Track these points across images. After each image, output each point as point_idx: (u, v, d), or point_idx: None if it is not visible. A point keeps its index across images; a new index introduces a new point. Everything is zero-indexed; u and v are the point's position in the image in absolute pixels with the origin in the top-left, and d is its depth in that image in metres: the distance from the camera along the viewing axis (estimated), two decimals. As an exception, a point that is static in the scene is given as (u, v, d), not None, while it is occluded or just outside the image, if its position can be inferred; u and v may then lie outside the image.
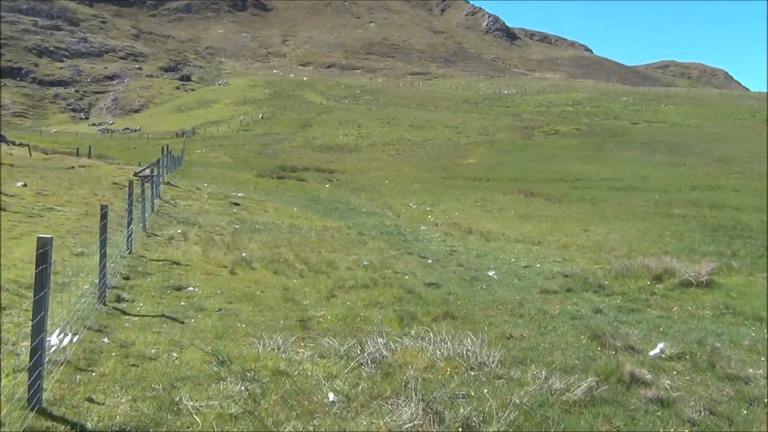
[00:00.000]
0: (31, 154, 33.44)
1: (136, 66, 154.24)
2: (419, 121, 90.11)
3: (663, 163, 53.76)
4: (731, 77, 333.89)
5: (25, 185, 18.41)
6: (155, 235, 13.75)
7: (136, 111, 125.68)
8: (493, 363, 5.87)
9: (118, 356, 5.85)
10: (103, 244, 7.64)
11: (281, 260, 11.86)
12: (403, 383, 5.35)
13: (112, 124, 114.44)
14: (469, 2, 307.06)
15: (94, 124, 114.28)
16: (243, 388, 5.17)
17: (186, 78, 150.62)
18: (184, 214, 18.15)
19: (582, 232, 20.51)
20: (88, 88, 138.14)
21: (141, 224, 14.09)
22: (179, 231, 14.62)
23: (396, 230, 18.62)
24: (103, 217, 7.63)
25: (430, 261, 13.17)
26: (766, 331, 7.45)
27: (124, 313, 7.50)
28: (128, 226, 10.90)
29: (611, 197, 32.49)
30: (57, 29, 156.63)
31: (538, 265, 12.66)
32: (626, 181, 40.65)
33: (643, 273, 10.43)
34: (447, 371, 5.71)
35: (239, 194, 25.44)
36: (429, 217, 25.43)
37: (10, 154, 34.09)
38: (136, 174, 23.74)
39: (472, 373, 5.64)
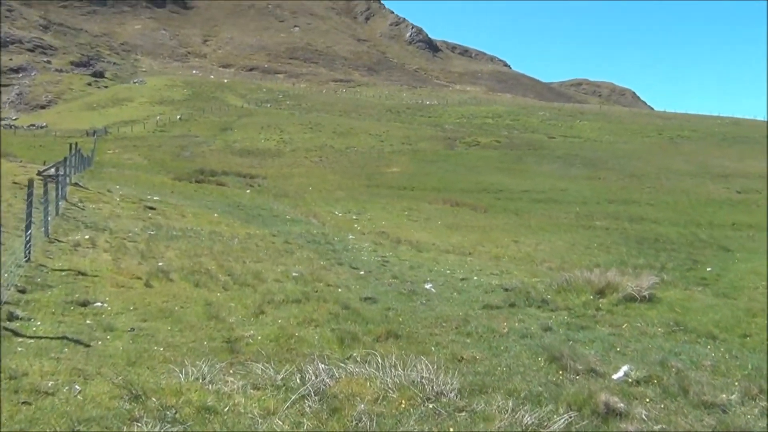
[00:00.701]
0: None
1: (45, 59, 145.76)
2: (342, 128, 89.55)
3: (579, 177, 55.47)
4: (638, 97, 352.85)
5: None
6: (59, 241, 12.39)
7: (43, 107, 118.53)
8: (451, 392, 5.25)
9: (7, 391, 4.83)
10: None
11: (202, 271, 10.86)
12: (354, 420, 4.63)
13: (15, 119, 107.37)
14: (393, 12, 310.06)
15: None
16: (162, 431, 4.30)
17: (99, 74, 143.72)
18: (93, 218, 16.68)
19: (512, 243, 20.43)
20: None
21: (43, 229, 12.69)
22: (87, 237, 13.28)
23: (323, 239, 17.85)
24: None
25: (362, 272, 12.50)
26: (722, 350, 7.23)
27: (16, 334, 6.39)
28: (26, 231, 9.61)
29: (534, 209, 32.93)
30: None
31: (475, 278, 12.23)
32: (546, 194, 41.48)
33: (585, 287, 10.17)
34: (401, 403, 5.04)
35: (155, 198, 23.92)
36: (355, 225, 24.78)
37: None
38: (39, 173, 21.81)
39: (430, 406, 5.00)
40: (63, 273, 9.35)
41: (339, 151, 72.79)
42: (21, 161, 31.19)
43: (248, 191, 37.18)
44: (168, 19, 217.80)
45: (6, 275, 8.36)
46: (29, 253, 9.65)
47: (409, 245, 17.61)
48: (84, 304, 7.92)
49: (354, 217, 27.08)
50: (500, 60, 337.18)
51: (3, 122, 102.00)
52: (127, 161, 53.69)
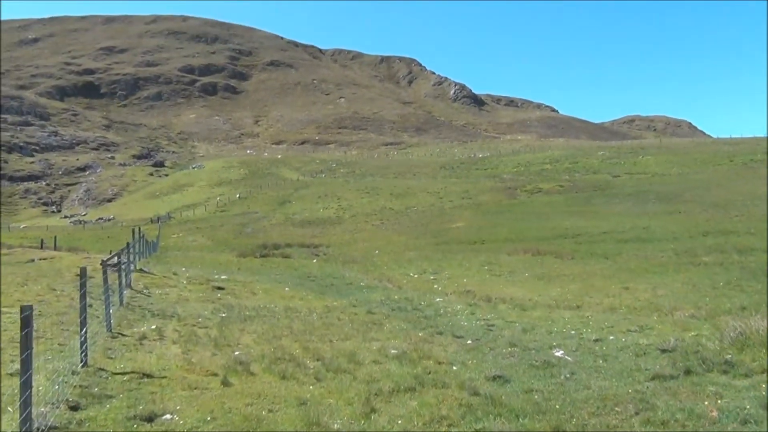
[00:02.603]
0: (-11, 250, 30.40)
1: (109, 155, 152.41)
2: (399, 189, 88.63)
3: (658, 213, 52.21)
4: (695, 127, 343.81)
5: (-33, 285, 15.51)
6: (122, 335, 10.94)
7: (110, 200, 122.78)
8: None
9: None
10: (25, 365, 4.92)
11: (286, 357, 9.12)
12: None
13: (84, 215, 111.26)
14: (435, 73, 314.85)
15: (66, 217, 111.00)
16: None
17: (159, 164, 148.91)
18: (159, 304, 15.34)
19: (623, 291, 18.03)
20: (60, 180, 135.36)
21: (105, 323, 11.29)
22: (153, 327, 11.82)
23: (409, 305, 15.96)
24: (25, 324, 4.92)
25: (470, 342, 10.52)
26: None
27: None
28: (81, 329, 8.13)
29: (623, 250, 30.24)
30: (27, 125, 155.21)
31: (611, 338, 10.06)
32: (629, 233, 38.61)
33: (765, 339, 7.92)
34: None
35: (222, 277, 22.66)
36: (435, 286, 22.81)
37: (-32, 252, 31.09)
38: (103, 262, 20.91)
39: None
40: (125, 377, 7.76)
41: (399, 212, 71.52)
42: (87, 253, 30.81)
43: (314, 261, 35.81)
44: (220, 105, 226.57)
45: (56, 388, 6.81)
46: (85, 355, 8.12)
47: (508, 304, 15.51)
48: (150, 419, 6.24)
49: (432, 278, 25.12)
50: (547, 106, 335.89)
51: (72, 219, 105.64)
52: (192, 243, 53.63)
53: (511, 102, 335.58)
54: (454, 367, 8.46)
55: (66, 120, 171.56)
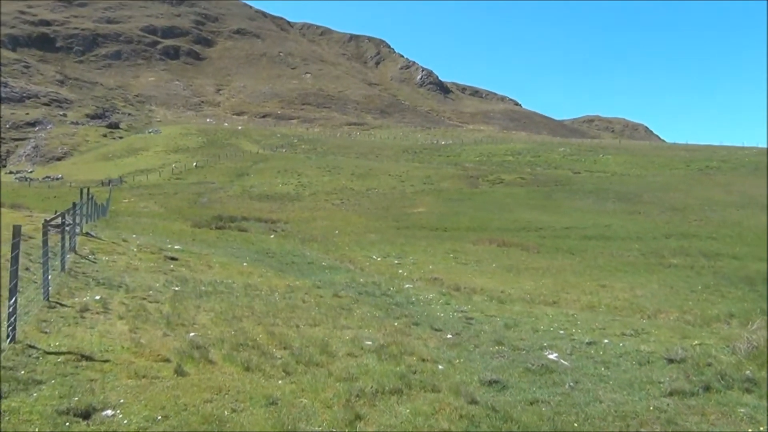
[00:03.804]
0: None
1: (61, 113, 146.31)
2: (361, 169, 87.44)
3: (618, 212, 52.57)
4: (651, 131, 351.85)
5: None
6: (61, 305, 9.66)
7: (59, 159, 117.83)
8: None
9: None
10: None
11: (249, 344, 8.05)
12: None
13: (31, 172, 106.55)
14: (403, 56, 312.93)
15: (11, 172, 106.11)
16: None
17: (114, 125, 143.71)
18: (105, 272, 14.00)
19: (599, 289, 17.43)
20: (7, 134, 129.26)
21: (42, 289, 9.98)
22: (97, 298, 10.56)
23: (376, 289, 15.02)
24: None
25: (450, 336, 9.64)
26: None
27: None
28: (10, 298, 6.87)
29: (588, 247, 29.92)
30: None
31: (605, 341, 9.30)
32: (592, 230, 38.51)
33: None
34: None
35: (175, 247, 21.26)
36: (400, 271, 21.92)
37: None
38: (46, 222, 19.27)
39: None
40: (60, 358, 6.56)
41: (360, 193, 70.39)
42: (30, 212, 28.83)
43: (272, 236, 34.51)
44: (182, 70, 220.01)
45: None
46: (13, 329, 6.87)
47: (482, 295, 14.70)
48: (87, 414, 5.13)
49: (396, 262, 24.21)
50: (511, 99, 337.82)
51: (18, 175, 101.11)
52: (144, 210, 51.49)
53: (476, 92, 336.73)
54: (440, 366, 7.54)
55: (17, 71, 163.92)
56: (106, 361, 6.67)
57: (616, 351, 8.60)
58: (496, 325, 10.59)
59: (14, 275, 6.89)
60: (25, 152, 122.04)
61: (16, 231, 6.92)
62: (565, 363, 7.89)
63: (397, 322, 10.59)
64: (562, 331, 10.11)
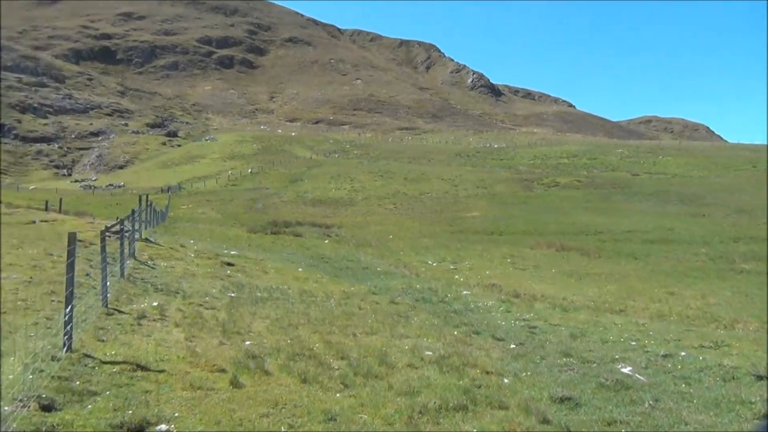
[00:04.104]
0: (-9, 209, 29.26)
1: (122, 122, 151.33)
2: (413, 174, 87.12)
3: (681, 214, 50.61)
4: (712, 131, 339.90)
5: (-44, 244, 14.26)
6: (120, 311, 9.65)
7: (121, 167, 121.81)
8: None
9: None
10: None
11: (306, 353, 7.80)
12: None
13: (95, 180, 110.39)
14: (453, 60, 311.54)
15: (76, 181, 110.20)
16: None
17: (173, 134, 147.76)
18: (164, 278, 14.07)
19: (668, 296, 16.59)
20: (72, 144, 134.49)
21: (101, 296, 10.00)
22: (155, 304, 10.54)
23: (434, 296, 14.62)
24: None
25: (513, 346, 9.17)
26: None
27: None
28: (66, 306, 6.80)
29: (651, 251, 28.75)
30: (42, 86, 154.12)
31: (683, 354, 8.67)
32: (654, 233, 37.08)
33: None
34: None
35: (232, 252, 21.38)
36: (456, 276, 21.46)
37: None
38: (107, 229, 19.64)
39: None
40: (115, 368, 6.44)
41: (413, 198, 70.08)
42: (93, 219, 29.62)
43: (326, 241, 34.53)
44: (236, 79, 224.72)
45: (30, 377, 5.51)
46: (69, 338, 6.81)
47: (545, 303, 14.13)
48: (140, 430, 4.95)
49: (452, 267, 23.75)
50: (564, 101, 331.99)
51: (82, 183, 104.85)
52: (201, 215, 52.48)
53: (528, 94, 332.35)
54: (506, 380, 7.11)
55: (81, 84, 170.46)
56: (162, 371, 6.52)
57: (696, 365, 7.97)
58: (561, 335, 10.06)
59: (70, 283, 6.83)
60: (89, 161, 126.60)
61: (72, 239, 6.85)
62: (641, 378, 7.33)
63: (456, 330, 10.19)
64: (633, 342, 9.49)
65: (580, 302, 14.83)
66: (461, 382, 6.77)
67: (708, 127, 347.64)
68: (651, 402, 6.32)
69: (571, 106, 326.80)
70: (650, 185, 73.41)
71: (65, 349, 6.69)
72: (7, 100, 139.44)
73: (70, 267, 6.83)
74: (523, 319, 11.53)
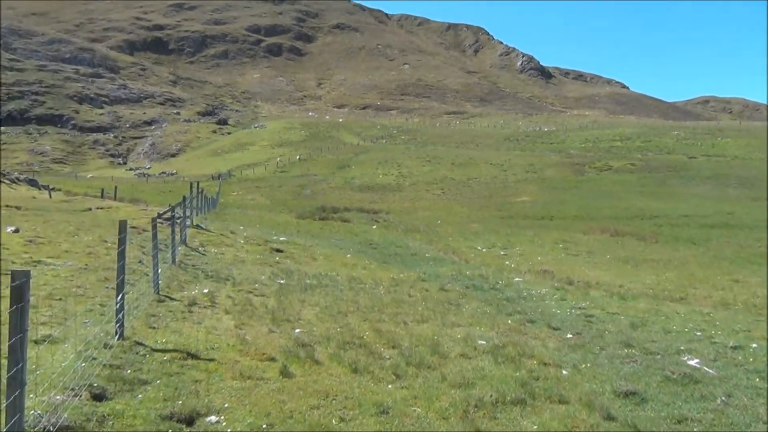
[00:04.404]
0: (51, 196, 30.24)
1: (174, 111, 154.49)
2: (461, 159, 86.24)
3: (741, 198, 48.64)
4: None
5: (16, 230, 14.67)
6: (171, 298, 9.70)
7: (173, 155, 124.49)
8: None
9: None
10: (15, 353, 3.50)
11: (356, 342, 7.64)
12: None
13: (149, 168, 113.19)
14: (502, 43, 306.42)
15: (131, 169, 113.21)
16: None
17: (223, 122, 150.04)
18: (214, 265, 14.17)
19: (733, 284, 15.84)
20: (127, 133, 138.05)
21: (152, 283, 10.07)
22: (206, 291, 10.57)
23: (485, 283, 14.30)
24: (17, 296, 3.45)
25: (570, 336, 8.82)
26: None
27: None
28: (118, 294, 6.79)
29: (711, 236, 27.64)
30: (98, 77, 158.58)
31: (754, 346, 8.18)
32: (713, 218, 35.71)
33: None
34: None
35: (281, 238, 21.47)
36: (507, 262, 21.04)
37: (33, 197, 31.01)
38: (159, 215, 19.96)
39: None
40: (166, 356, 6.40)
41: (461, 183, 69.43)
42: (146, 204, 30.25)
43: (374, 227, 34.43)
44: (284, 66, 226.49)
45: (84, 365, 5.50)
46: (121, 326, 6.80)
47: (600, 290, 13.65)
48: (191, 420, 4.86)
49: (502, 253, 23.32)
50: (617, 82, 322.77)
51: (137, 171, 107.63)
52: (250, 202, 53.16)
53: (579, 76, 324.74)
54: (564, 372, 6.80)
55: (134, 74, 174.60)
56: (212, 360, 6.45)
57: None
58: (620, 325, 9.64)
59: (121, 271, 6.82)
60: (143, 150, 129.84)
61: (123, 227, 6.84)
62: (710, 371, 6.91)
63: (510, 319, 9.88)
64: (699, 333, 9.01)
65: (638, 290, 14.28)
66: (518, 374, 6.50)
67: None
68: (723, 398, 5.92)
69: (624, 87, 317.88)
70: (708, 168, 70.79)
71: (117, 336, 6.70)
72: (65, 91, 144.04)
73: (121, 255, 6.83)
74: (579, 308, 11.12)
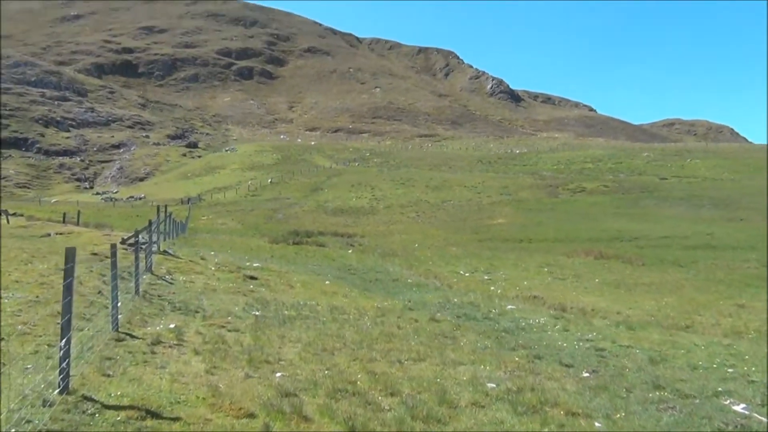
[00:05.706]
0: (8, 222, 28.55)
1: (143, 134, 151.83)
2: (435, 181, 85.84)
3: (716, 219, 48.71)
4: (737, 133, 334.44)
5: (-40, 260, 13.24)
6: (132, 336, 8.48)
7: (142, 179, 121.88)
8: None
9: None
10: None
11: (348, 388, 6.53)
12: None
13: (116, 192, 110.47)
14: (472, 66, 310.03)
15: (98, 193, 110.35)
16: None
17: (193, 145, 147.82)
18: (182, 295, 12.93)
19: (738, 309, 15.10)
20: (94, 157, 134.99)
21: (111, 318, 8.84)
22: (172, 326, 9.36)
23: (476, 311, 13.30)
24: None
25: (587, 375, 7.83)
26: None
27: None
28: (62, 338, 5.59)
29: (696, 258, 27.13)
30: (65, 100, 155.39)
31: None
32: (693, 239, 35.39)
33: None
34: None
35: (254, 264, 20.23)
36: (492, 288, 20.09)
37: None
38: (123, 241, 18.62)
39: None
40: (120, 415, 5.21)
41: (435, 205, 68.78)
42: (110, 231, 28.71)
43: (350, 251, 33.32)
44: (255, 89, 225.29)
45: (12, 431, 4.31)
46: (66, 377, 5.59)
47: (604, 319, 12.73)
48: None
49: (486, 278, 22.38)
50: (585, 105, 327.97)
51: (104, 195, 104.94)
52: (221, 226, 51.62)
53: (548, 99, 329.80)
54: (597, 424, 5.78)
55: (103, 97, 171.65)
56: (177, 419, 5.28)
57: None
58: (638, 360, 8.68)
59: (67, 309, 5.63)
60: (111, 173, 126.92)
61: (70, 255, 5.66)
62: (762, 419, 5.97)
63: (515, 355, 8.86)
64: (730, 369, 8.11)
65: (640, 317, 13.42)
66: (546, 430, 5.46)
67: (732, 129, 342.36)
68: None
69: (592, 110, 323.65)
70: (680, 189, 71.37)
71: (61, 389, 5.49)
72: (30, 114, 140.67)
73: (68, 289, 5.64)
74: (587, 339, 10.16)
